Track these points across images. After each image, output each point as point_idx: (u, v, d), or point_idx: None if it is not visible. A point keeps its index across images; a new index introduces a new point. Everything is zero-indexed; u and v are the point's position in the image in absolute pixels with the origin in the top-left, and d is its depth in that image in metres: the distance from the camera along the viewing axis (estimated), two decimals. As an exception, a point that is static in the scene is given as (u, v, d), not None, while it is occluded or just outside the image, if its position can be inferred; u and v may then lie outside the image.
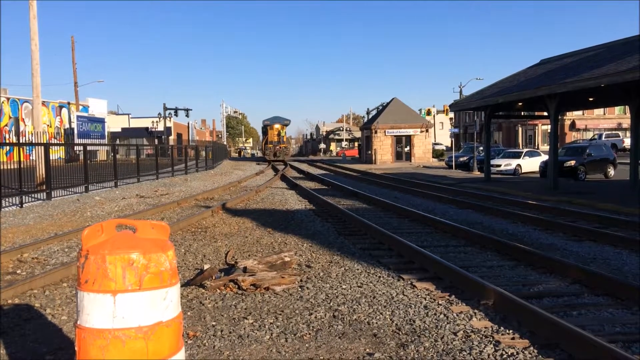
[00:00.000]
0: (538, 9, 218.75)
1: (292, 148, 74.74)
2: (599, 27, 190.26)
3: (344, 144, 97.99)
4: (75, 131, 44.93)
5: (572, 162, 25.63)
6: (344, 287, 6.67)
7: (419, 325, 5.22)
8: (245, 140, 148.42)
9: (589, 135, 64.65)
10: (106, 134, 51.98)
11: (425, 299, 6.10)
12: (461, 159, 38.36)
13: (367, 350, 4.65)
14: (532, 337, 4.81)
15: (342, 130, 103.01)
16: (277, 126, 60.15)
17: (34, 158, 17.79)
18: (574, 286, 6.60)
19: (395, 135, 52.28)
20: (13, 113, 42.35)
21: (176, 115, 61.60)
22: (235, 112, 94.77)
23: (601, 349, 4.11)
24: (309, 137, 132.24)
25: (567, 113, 63.80)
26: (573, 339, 4.41)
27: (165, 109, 59.67)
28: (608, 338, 4.66)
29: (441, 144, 75.24)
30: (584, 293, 6.30)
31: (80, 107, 49.81)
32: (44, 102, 42.20)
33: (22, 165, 15.69)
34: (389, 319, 5.44)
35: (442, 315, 5.49)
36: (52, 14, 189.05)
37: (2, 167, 14.40)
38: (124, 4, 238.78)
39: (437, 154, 56.30)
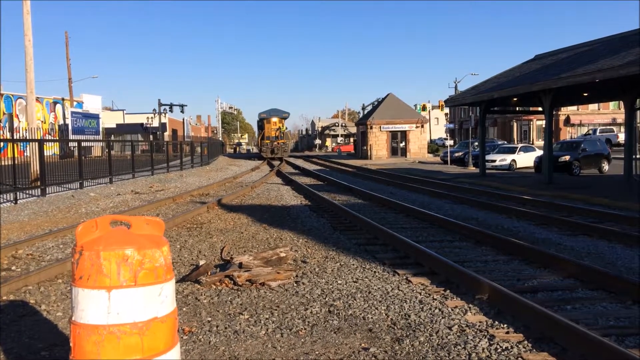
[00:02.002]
0: (533, 4, 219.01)
1: (290, 143, 67.48)
2: (594, 22, 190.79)
3: (339, 139, 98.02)
4: (70, 127, 44.72)
5: (567, 157, 25.74)
6: (339, 282, 6.69)
7: (414, 320, 5.24)
8: (241, 136, 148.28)
9: (584, 130, 64.90)
10: (101, 130, 51.79)
11: (420, 293, 6.12)
12: (456, 155, 38.43)
13: (363, 345, 4.67)
14: (526, 331, 4.84)
15: (338, 125, 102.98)
16: (274, 119, 53.94)
17: (28, 154, 17.70)
18: (568, 280, 6.64)
19: (390, 131, 52.33)
20: (7, 109, 42.13)
21: (171, 111, 61.60)
22: (230, 107, 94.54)
23: (595, 343, 4.14)
24: (304, 132, 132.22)
25: (562, 108, 63.94)
26: (567, 332, 4.44)
27: (160, 104, 59.59)
28: (602, 332, 4.69)
29: (447, 139, 71.82)
30: (578, 287, 6.33)
31: (75, 103, 49.59)
32: (38, 98, 42.02)
33: (16, 162, 15.62)
34: (384, 314, 5.46)
35: (437, 310, 5.51)
36: (46, 9, 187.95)
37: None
38: (118, 0, 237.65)
39: (432, 149, 56.35)
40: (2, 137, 29.52)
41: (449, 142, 47.32)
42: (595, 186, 18.84)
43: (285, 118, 56.06)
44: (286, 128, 57.50)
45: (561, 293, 6.15)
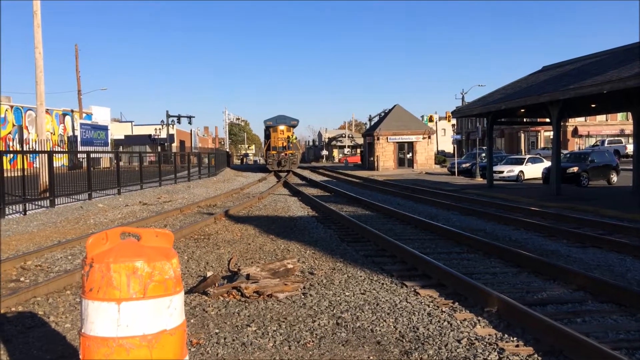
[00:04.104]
0: (540, 16, 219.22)
1: (299, 154, 58.71)
2: (600, 33, 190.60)
3: (346, 150, 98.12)
4: (79, 139, 45.05)
5: (575, 169, 25.61)
6: (347, 294, 6.67)
7: (423, 333, 5.21)
8: (248, 147, 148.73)
9: (592, 141, 64.63)
10: (109, 141, 52.09)
11: (428, 306, 6.09)
12: (464, 165, 38.34)
13: (371, 357, 4.65)
14: (536, 345, 4.80)
15: (345, 136, 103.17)
16: (282, 127, 48.67)
17: (37, 165, 17.84)
18: (577, 293, 6.58)
19: (397, 142, 52.36)
20: (17, 121, 42.51)
21: (179, 122, 61.81)
22: (237, 119, 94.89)
23: (605, 356, 4.10)
24: (311, 143, 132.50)
25: (570, 119, 63.79)
26: (577, 346, 4.40)
27: (168, 116, 59.86)
28: (612, 345, 4.65)
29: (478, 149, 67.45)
30: (588, 300, 6.28)
31: (84, 115, 50.00)
32: (47, 109, 42.35)
33: (25, 173, 15.74)
34: (392, 327, 5.43)
35: (445, 323, 5.47)
36: (56, 20, 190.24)
37: (5, 175, 14.44)
38: (127, 12, 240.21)
39: (439, 160, 56.30)
40: (12, 149, 29.77)
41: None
42: (604, 198, 18.73)
43: (294, 126, 50.70)
44: (295, 137, 51.62)
45: (571, 306, 6.10)
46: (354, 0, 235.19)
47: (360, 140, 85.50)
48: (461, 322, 5.47)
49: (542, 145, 69.60)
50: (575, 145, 66.87)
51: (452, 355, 4.64)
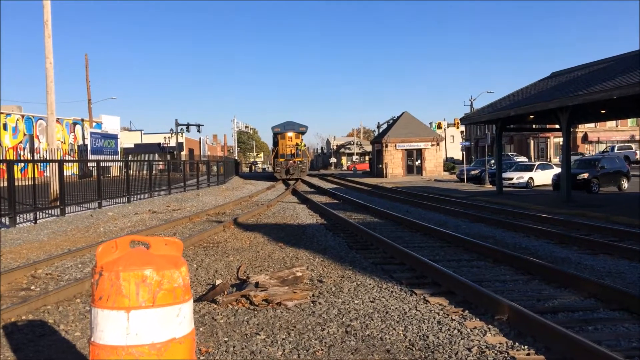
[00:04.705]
0: (548, 22, 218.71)
1: (309, 162, 56.79)
2: (606, 38, 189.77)
3: (354, 157, 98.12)
4: (89, 147, 45.41)
5: (585, 175, 25.44)
6: (356, 302, 6.64)
7: (433, 341, 5.18)
8: (257, 154, 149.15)
9: (602, 147, 64.24)
10: (119, 150, 52.42)
11: (438, 314, 6.05)
12: (473, 172, 38.19)
13: (380, 366, 4.62)
14: (547, 353, 4.75)
15: (353, 144, 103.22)
16: (290, 134, 46.94)
17: (48, 174, 17.98)
18: (589, 301, 6.52)
19: (406, 149, 52.27)
20: (27, 130, 42.91)
21: (188, 131, 62.14)
22: (246, 127, 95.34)
23: (618, 365, 4.05)
24: (319, 151, 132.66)
25: (579, 125, 63.44)
26: (589, 354, 4.35)
27: (177, 124, 60.20)
28: (624, 353, 4.59)
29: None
30: (599, 308, 6.22)
31: (94, 124, 50.38)
32: (58, 119, 42.74)
33: (36, 182, 15.86)
34: (402, 335, 5.40)
35: (455, 331, 5.44)
36: (65, 31, 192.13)
37: (17, 184, 14.57)
38: (136, 21, 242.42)
39: (448, 167, 56.13)
40: (23, 158, 30.03)
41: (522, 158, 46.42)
42: (615, 204, 18.58)
43: (302, 133, 48.50)
44: (304, 144, 49.50)
45: (582, 313, 6.04)
46: (362, 1, 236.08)
47: (369, 148, 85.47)
48: (471, 331, 5.43)
49: (552, 152, 69.32)
50: (585, 151, 66.50)
51: (462, 364, 4.60)
